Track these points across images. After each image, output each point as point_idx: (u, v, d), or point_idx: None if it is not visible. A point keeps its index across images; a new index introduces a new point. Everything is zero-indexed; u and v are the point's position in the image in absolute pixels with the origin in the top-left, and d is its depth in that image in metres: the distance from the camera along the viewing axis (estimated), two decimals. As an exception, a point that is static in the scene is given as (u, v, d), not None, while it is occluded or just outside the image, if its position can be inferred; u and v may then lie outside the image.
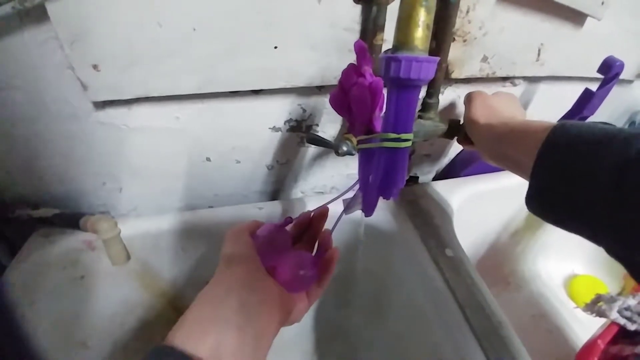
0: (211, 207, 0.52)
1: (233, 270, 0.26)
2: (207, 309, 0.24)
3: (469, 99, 0.41)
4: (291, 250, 0.32)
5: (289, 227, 0.33)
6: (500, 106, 0.38)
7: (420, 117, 0.44)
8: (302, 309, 0.30)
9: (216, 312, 0.23)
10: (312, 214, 0.35)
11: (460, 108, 0.52)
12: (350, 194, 0.33)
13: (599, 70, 0.44)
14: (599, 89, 0.46)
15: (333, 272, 0.32)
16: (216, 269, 0.27)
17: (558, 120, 0.28)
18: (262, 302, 0.25)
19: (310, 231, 0.35)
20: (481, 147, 0.37)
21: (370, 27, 0.38)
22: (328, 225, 0.35)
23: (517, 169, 0.31)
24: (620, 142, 0.22)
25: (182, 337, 0.22)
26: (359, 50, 0.28)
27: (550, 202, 0.27)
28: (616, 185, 0.22)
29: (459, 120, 0.44)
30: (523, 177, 0.30)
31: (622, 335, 0.41)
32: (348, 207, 0.32)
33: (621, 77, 0.45)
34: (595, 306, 0.43)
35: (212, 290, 0.25)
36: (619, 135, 0.23)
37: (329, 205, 0.35)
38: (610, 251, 0.24)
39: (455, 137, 0.45)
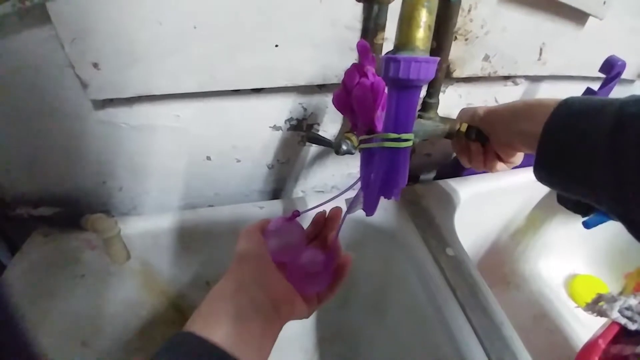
0: (211, 206, 0.52)
1: (244, 268, 0.28)
2: (219, 303, 0.26)
3: (471, 107, 0.41)
4: (304, 248, 0.33)
5: (298, 220, 0.34)
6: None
7: (420, 116, 0.44)
8: (312, 307, 0.31)
9: (227, 307, 0.25)
10: (327, 215, 0.36)
11: (461, 107, 0.51)
12: (351, 193, 0.33)
13: (601, 70, 0.44)
14: (600, 88, 0.45)
15: (346, 277, 0.33)
16: (230, 266, 0.29)
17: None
18: (270, 298, 0.27)
19: (324, 231, 0.36)
20: (499, 128, 0.37)
21: (371, 26, 0.38)
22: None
23: (530, 144, 0.32)
24: (614, 107, 0.25)
25: (198, 327, 0.24)
26: (361, 50, 0.28)
27: (556, 168, 0.28)
28: (611, 145, 0.24)
29: (459, 121, 0.44)
30: (533, 152, 0.31)
31: (623, 335, 0.41)
32: (350, 206, 0.32)
33: (623, 76, 0.45)
34: (596, 306, 0.43)
35: (225, 285, 0.27)
36: (615, 102, 0.25)
37: (331, 203, 0.35)
38: (611, 211, 0.25)
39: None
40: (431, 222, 0.49)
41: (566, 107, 0.28)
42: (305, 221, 0.35)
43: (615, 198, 0.24)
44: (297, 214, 0.34)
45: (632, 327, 0.40)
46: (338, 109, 0.32)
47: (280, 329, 0.28)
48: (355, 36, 0.39)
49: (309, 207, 0.35)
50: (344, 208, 0.33)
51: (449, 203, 0.52)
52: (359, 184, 0.31)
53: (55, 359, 0.42)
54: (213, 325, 0.24)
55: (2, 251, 0.48)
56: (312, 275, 0.30)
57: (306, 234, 0.35)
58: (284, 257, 0.31)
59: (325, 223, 0.36)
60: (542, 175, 0.30)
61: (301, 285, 0.30)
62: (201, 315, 0.25)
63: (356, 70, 0.29)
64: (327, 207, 0.35)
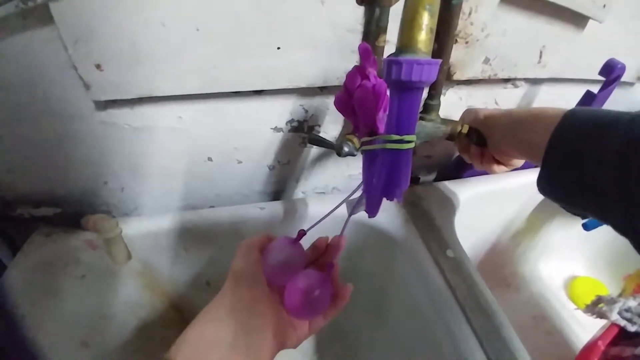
0: (212, 206, 0.52)
1: (238, 291, 0.27)
2: (209, 329, 0.24)
3: (474, 109, 0.41)
4: (303, 271, 0.31)
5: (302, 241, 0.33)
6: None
7: (421, 118, 0.44)
8: (302, 336, 0.30)
9: (218, 334, 0.24)
10: (328, 241, 0.34)
11: (461, 109, 0.52)
12: (354, 196, 0.33)
13: (601, 73, 0.44)
14: (600, 91, 0.46)
15: (342, 308, 0.32)
16: (225, 284, 0.28)
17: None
18: (263, 327, 0.26)
19: (325, 257, 0.34)
20: (497, 134, 0.37)
21: (373, 29, 0.38)
22: (337, 228, 0.34)
23: (531, 154, 0.32)
24: (625, 123, 0.24)
25: (185, 354, 0.23)
26: (363, 52, 0.28)
27: (561, 182, 0.28)
28: (621, 162, 0.23)
29: (461, 122, 0.44)
30: (536, 162, 0.31)
31: (622, 336, 0.41)
32: (352, 208, 0.32)
33: (622, 79, 0.45)
34: (595, 307, 0.43)
35: (216, 309, 0.26)
36: (625, 116, 0.25)
37: (333, 206, 0.34)
38: (617, 228, 0.25)
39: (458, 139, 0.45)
40: (431, 224, 0.49)
41: (572, 120, 0.27)
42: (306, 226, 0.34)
43: (623, 214, 0.24)
44: (302, 233, 0.32)
45: (632, 328, 0.40)
46: (340, 111, 0.33)
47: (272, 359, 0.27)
48: (356, 39, 0.39)
49: (310, 208, 0.35)
50: (345, 211, 0.33)
51: (449, 204, 0.52)
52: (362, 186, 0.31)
53: (55, 359, 0.42)
54: (201, 356, 0.23)
55: (3, 251, 0.48)
56: (308, 303, 0.29)
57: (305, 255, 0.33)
58: (280, 280, 0.30)
59: (326, 249, 0.34)
60: (546, 189, 0.30)
61: (296, 311, 0.29)
62: (190, 341, 0.24)
63: (358, 72, 0.29)
64: (333, 212, 0.35)
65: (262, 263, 0.30)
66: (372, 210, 0.30)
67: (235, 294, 0.27)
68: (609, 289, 0.68)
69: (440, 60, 0.24)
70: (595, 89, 0.46)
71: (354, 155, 0.38)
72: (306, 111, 0.46)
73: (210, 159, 0.48)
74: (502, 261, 0.68)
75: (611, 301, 0.42)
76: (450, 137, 0.44)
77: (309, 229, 0.33)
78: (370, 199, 0.30)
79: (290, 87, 0.41)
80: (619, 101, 0.61)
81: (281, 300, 0.30)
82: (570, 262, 0.71)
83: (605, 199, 0.25)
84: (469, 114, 0.41)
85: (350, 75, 0.30)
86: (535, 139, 0.30)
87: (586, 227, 0.55)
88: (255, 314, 0.26)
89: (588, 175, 0.25)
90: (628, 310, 0.41)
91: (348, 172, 0.56)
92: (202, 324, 0.25)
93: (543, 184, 0.30)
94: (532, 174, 0.31)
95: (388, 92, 0.28)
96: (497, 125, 0.37)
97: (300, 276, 0.30)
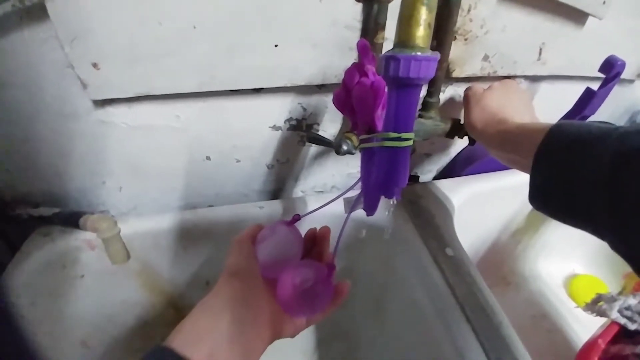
0: (211, 206, 0.52)
1: (232, 285, 0.28)
2: (204, 320, 0.25)
3: (464, 100, 0.41)
4: (298, 263, 0.31)
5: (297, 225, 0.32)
6: (495, 104, 0.38)
7: (420, 116, 0.44)
8: (299, 327, 0.31)
9: (212, 324, 0.25)
10: (317, 233, 0.34)
11: (461, 107, 0.51)
12: (350, 194, 0.33)
13: (600, 70, 0.44)
14: (600, 88, 0.45)
15: (339, 305, 0.32)
16: (219, 279, 0.28)
17: (558, 120, 0.28)
18: (255, 319, 0.27)
19: (317, 248, 0.34)
20: (489, 148, 0.37)
21: (371, 26, 0.38)
22: (335, 226, 0.34)
23: (524, 170, 0.31)
24: (614, 139, 0.23)
25: (180, 342, 0.23)
26: (362, 49, 0.28)
27: (552, 201, 0.27)
28: (611, 180, 0.22)
29: (460, 120, 0.44)
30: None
31: (622, 334, 0.41)
32: (351, 207, 0.32)
33: (622, 76, 0.45)
34: (595, 306, 0.43)
35: (211, 301, 0.27)
36: (614, 132, 0.23)
37: (333, 204, 0.34)
38: (613, 247, 0.24)
39: (456, 137, 0.45)
40: (431, 222, 0.49)
41: (560, 136, 0.26)
42: (305, 224, 0.34)
43: (618, 235, 0.23)
44: (297, 218, 0.32)
45: (632, 326, 0.40)
46: (338, 109, 0.32)
47: (264, 350, 0.28)
48: (355, 36, 0.39)
49: (309, 207, 0.35)
50: (343, 210, 0.32)
51: (448, 203, 0.52)
52: (359, 184, 0.31)
53: (55, 359, 0.42)
54: (195, 344, 0.23)
55: (2, 251, 0.47)
56: (303, 302, 0.29)
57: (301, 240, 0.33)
58: (275, 272, 0.29)
59: (314, 242, 0.34)
60: (539, 206, 0.29)
61: (290, 310, 0.29)
62: (184, 330, 0.24)
63: (356, 69, 0.29)
64: (329, 208, 0.35)
65: (256, 251, 0.30)
66: (371, 209, 0.30)
67: (229, 287, 0.27)
68: (609, 287, 0.67)
69: (438, 56, 0.24)
70: (595, 86, 0.46)
71: (352, 153, 0.38)
72: (305, 109, 0.45)
73: (208, 158, 0.48)
74: (501, 259, 0.68)
75: (611, 299, 0.42)
76: (450, 134, 0.44)
77: (304, 215, 0.32)
78: (368, 198, 0.30)
79: (289, 85, 0.41)
80: (619, 98, 0.61)
81: (276, 294, 0.29)
82: (570, 260, 0.71)
83: (599, 220, 0.23)
84: (464, 109, 0.41)
85: (349, 72, 0.30)
86: (523, 159, 0.29)
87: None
88: (249, 305, 0.27)
89: (578, 195, 0.24)
90: (628, 308, 0.41)
91: (347, 170, 0.55)
92: (197, 315, 0.26)
93: (534, 202, 0.29)
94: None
95: (386, 89, 0.27)
96: (481, 142, 0.37)
97: (295, 270, 0.29)
